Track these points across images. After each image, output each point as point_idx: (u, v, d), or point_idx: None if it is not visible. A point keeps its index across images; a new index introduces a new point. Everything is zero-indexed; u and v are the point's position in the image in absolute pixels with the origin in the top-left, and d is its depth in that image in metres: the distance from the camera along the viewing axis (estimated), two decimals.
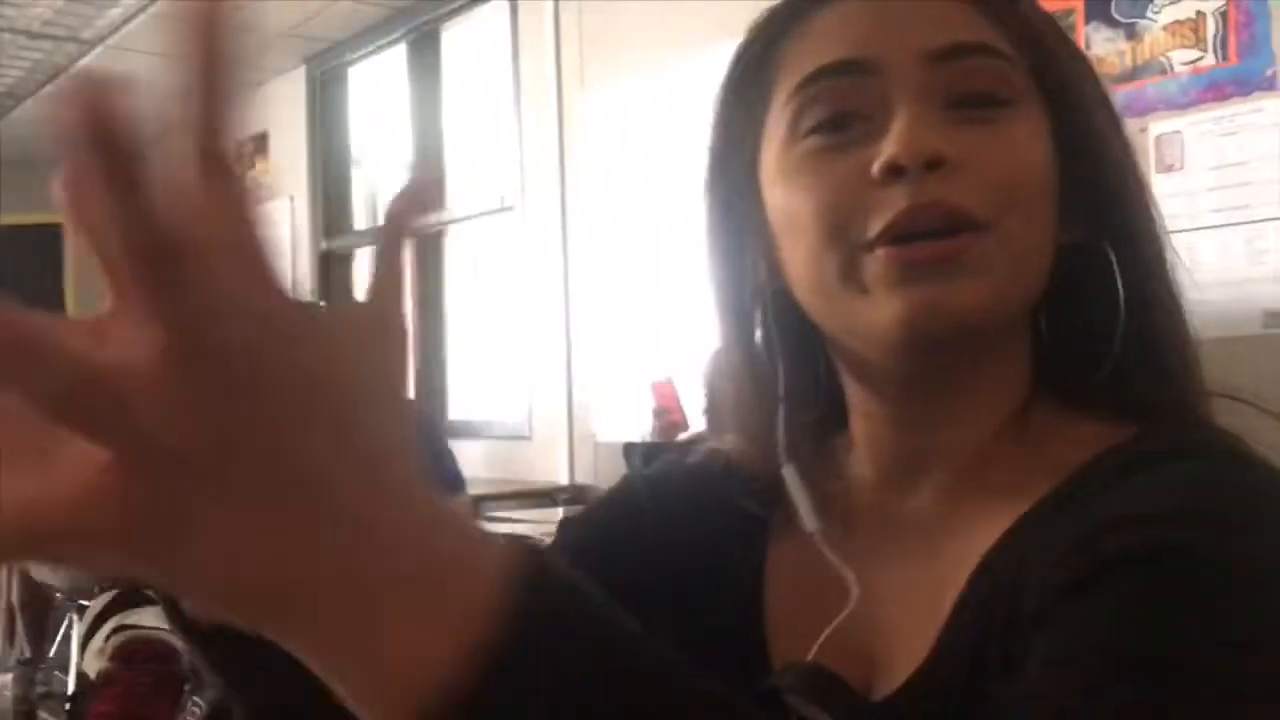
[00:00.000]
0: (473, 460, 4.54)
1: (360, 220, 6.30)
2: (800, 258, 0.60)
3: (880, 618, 0.61)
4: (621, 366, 4.31)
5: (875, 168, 0.56)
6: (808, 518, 0.65)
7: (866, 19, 0.59)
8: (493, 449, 4.95)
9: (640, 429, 3.82)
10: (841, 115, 0.59)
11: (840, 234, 0.58)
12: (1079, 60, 0.64)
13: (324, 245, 6.32)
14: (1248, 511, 0.49)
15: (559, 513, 3.93)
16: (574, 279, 4.59)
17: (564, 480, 4.58)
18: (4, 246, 8.05)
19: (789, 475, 0.65)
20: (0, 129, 7.23)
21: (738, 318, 0.67)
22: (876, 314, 0.57)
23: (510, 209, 4.96)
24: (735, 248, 0.66)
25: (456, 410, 5.52)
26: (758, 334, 0.66)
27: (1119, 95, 2.85)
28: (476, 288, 5.49)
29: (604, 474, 4.36)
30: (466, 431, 5.06)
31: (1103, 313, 0.59)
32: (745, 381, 0.68)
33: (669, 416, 3.07)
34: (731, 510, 0.69)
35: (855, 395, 0.65)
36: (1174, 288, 0.61)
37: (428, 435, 3.31)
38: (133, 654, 4.02)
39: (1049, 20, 0.63)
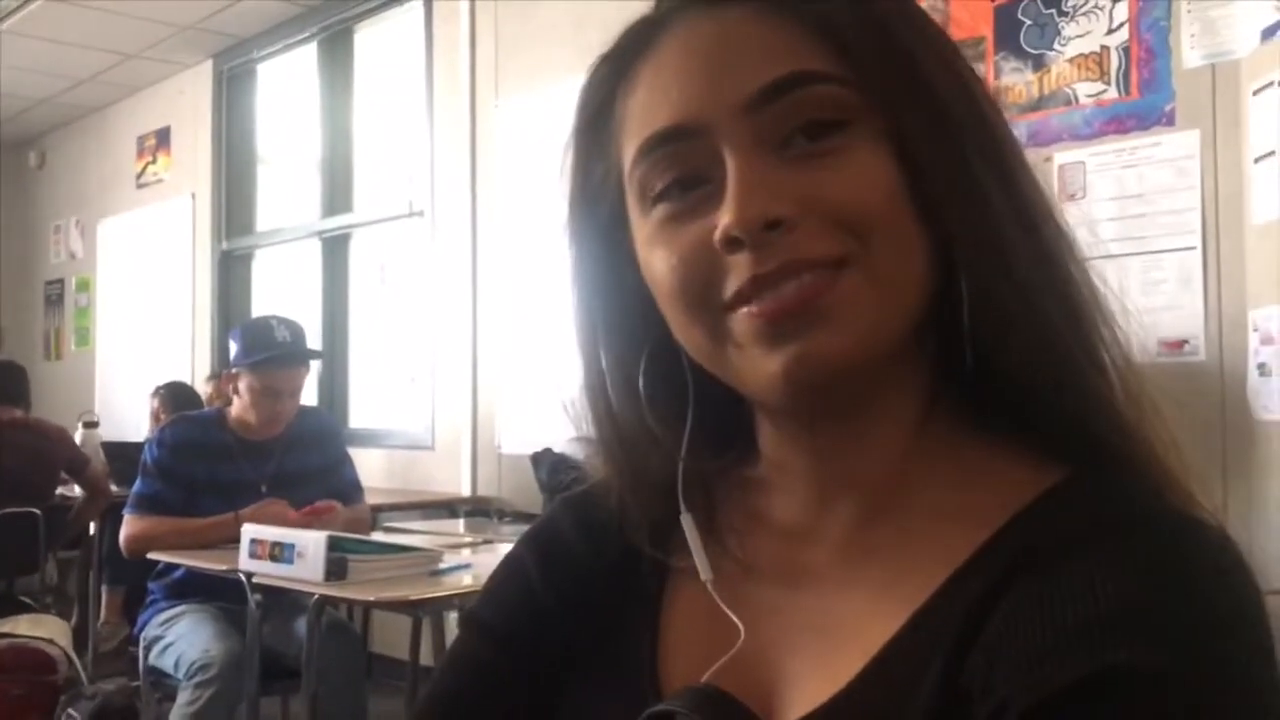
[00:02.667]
0: (373, 469, 4.46)
1: (263, 220, 6.16)
2: (674, 320, 0.60)
3: (779, 655, 0.60)
4: (527, 378, 4.27)
5: (715, 239, 0.55)
6: (702, 568, 0.64)
7: (685, 74, 0.58)
8: (394, 458, 4.87)
9: (543, 441, 3.78)
10: (683, 179, 0.58)
11: (701, 301, 0.57)
12: (927, 43, 0.59)
13: (224, 245, 6.16)
14: (1202, 618, 0.49)
15: (459, 524, 3.88)
16: (482, 287, 4.54)
17: (466, 491, 4.52)
18: None
19: (687, 524, 0.64)
20: None
21: (624, 371, 0.65)
22: (754, 370, 0.56)
23: (420, 214, 4.89)
24: (612, 298, 0.65)
25: (357, 418, 5.42)
26: (641, 385, 0.64)
27: (1024, 125, 2.91)
28: (382, 293, 5.40)
29: (507, 485, 4.31)
30: (367, 440, 4.97)
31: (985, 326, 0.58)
32: (637, 434, 0.65)
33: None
34: (633, 547, 0.68)
35: (765, 429, 0.64)
36: (1067, 300, 0.58)
37: (325, 442, 3.23)
38: (7, 663, 3.85)
39: (913, 21, 0.60)
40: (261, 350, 2.98)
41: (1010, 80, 3.00)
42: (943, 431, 0.60)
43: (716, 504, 0.66)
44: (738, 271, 0.55)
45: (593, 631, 0.67)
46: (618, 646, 0.66)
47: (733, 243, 0.54)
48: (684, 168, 0.57)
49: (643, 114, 0.59)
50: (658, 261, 0.59)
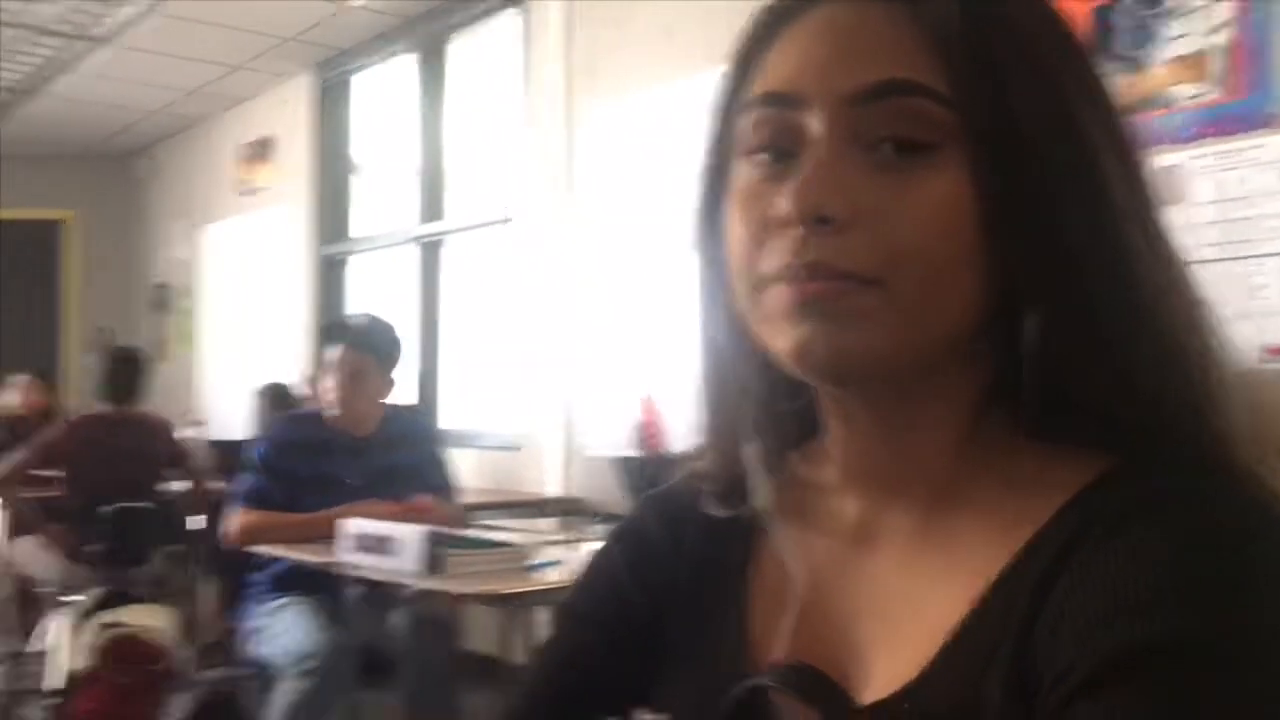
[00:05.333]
0: (465, 470, 4.54)
1: (358, 227, 6.31)
2: (734, 283, 0.63)
3: (848, 632, 0.62)
4: (612, 380, 4.31)
5: (770, 213, 0.58)
6: (761, 495, 0.66)
7: (810, 48, 0.59)
8: (485, 459, 4.95)
9: (628, 444, 3.83)
10: (774, 145, 0.60)
11: (748, 266, 0.60)
12: (1037, 69, 0.58)
13: (323, 251, 6.32)
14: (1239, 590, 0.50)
15: (548, 523, 3.93)
16: (571, 291, 4.60)
17: (554, 492, 4.58)
18: (6, 240, 8.07)
19: (747, 455, 0.67)
20: (6, 125, 7.25)
21: (706, 329, 0.68)
22: (777, 343, 0.59)
23: (509, 221, 4.97)
24: (712, 256, 0.67)
25: (449, 420, 5.52)
26: (727, 342, 0.67)
27: None
28: (473, 298, 5.50)
29: (594, 486, 4.36)
30: (459, 441, 5.06)
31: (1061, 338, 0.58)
32: (722, 391, 0.68)
33: (650, 431, 3.08)
34: (717, 532, 0.70)
35: (822, 406, 0.66)
36: (1159, 342, 0.57)
37: (419, 442, 3.32)
38: (117, 652, 4.00)
39: (1021, 37, 0.58)
40: (330, 335, 3.16)
41: None
42: (999, 437, 0.61)
43: (790, 473, 0.68)
44: (779, 254, 0.57)
45: (679, 617, 0.70)
46: (705, 630, 0.69)
47: (784, 221, 0.57)
48: (776, 135, 0.60)
49: (768, 69, 0.61)
50: (732, 225, 0.62)
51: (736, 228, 0.61)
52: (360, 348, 3.14)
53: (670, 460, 3.01)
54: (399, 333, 3.30)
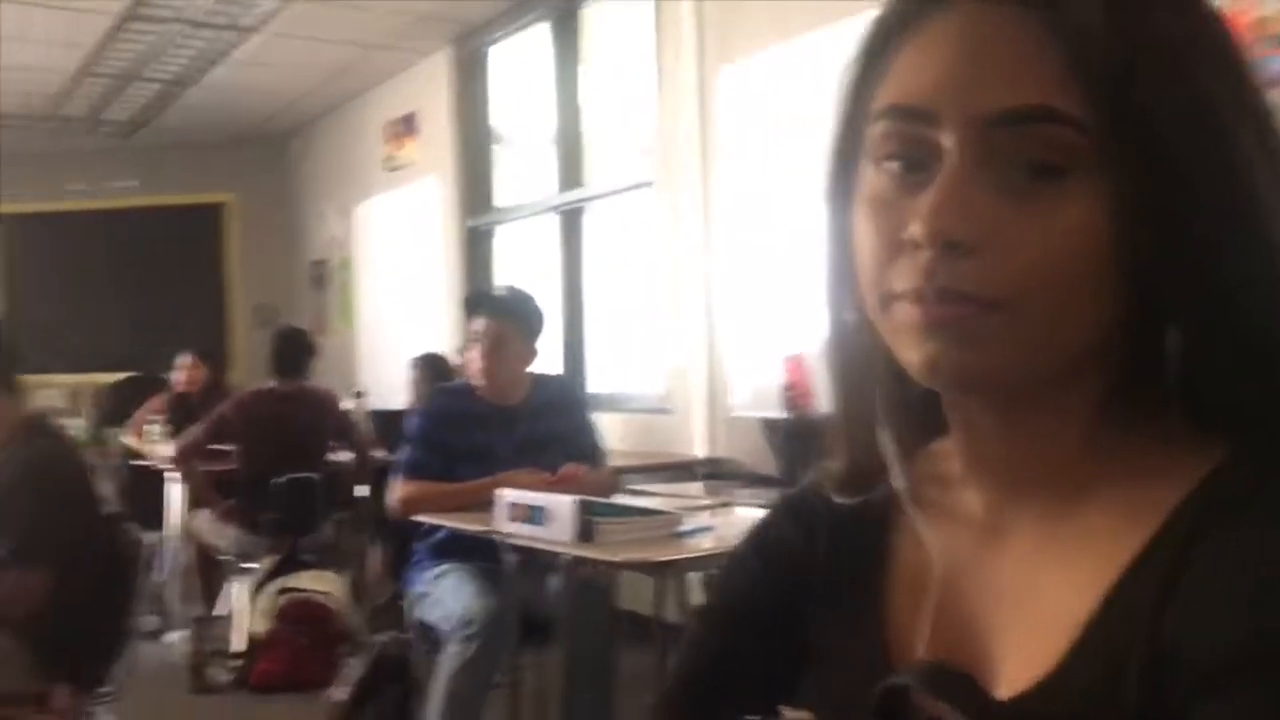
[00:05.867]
0: (612, 433, 4.62)
1: (502, 197, 6.44)
2: (861, 282, 0.63)
3: (981, 624, 0.63)
4: (758, 341, 4.32)
5: (901, 233, 0.58)
6: (897, 476, 0.67)
7: (946, 60, 0.58)
8: (632, 422, 5.02)
9: (775, 403, 3.83)
10: (904, 155, 0.59)
11: (878, 279, 0.60)
12: (1201, 98, 0.56)
13: (469, 223, 6.47)
14: None
15: (697, 486, 3.98)
16: (714, 253, 4.61)
17: (701, 453, 4.62)
18: (169, 224, 8.50)
19: (883, 439, 0.67)
20: (167, 114, 7.60)
21: (835, 313, 0.69)
22: (904, 355, 0.60)
23: (649, 185, 5.00)
24: (839, 252, 0.67)
25: (596, 384, 5.61)
26: (850, 332, 0.68)
27: None
28: (616, 262, 5.56)
29: (741, 448, 4.38)
30: (606, 404, 5.14)
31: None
32: (850, 371, 0.69)
33: (797, 391, 3.06)
34: (850, 530, 0.72)
35: (946, 404, 0.66)
36: None
37: (568, 409, 3.40)
38: (293, 615, 4.23)
39: (1169, 50, 0.56)
40: (473, 307, 3.26)
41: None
42: (1119, 430, 0.61)
43: (918, 468, 0.69)
44: (908, 271, 0.58)
45: (817, 616, 0.72)
46: (843, 627, 0.70)
47: (914, 243, 0.57)
48: (908, 147, 0.59)
49: (899, 75, 0.60)
50: (860, 229, 0.61)
51: (866, 236, 0.61)
52: (501, 317, 3.22)
53: (816, 421, 3.02)
54: (539, 302, 3.37)
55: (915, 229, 0.57)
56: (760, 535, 0.79)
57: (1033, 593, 0.62)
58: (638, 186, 5.12)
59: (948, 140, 0.57)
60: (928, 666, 0.62)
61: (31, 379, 2.94)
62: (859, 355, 0.67)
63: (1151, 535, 0.57)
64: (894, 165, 0.60)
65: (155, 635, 4.70)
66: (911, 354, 0.59)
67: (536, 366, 3.36)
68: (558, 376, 4.03)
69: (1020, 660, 0.60)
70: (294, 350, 4.78)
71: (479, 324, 3.21)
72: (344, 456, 4.80)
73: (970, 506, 0.67)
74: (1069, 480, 0.62)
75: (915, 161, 0.59)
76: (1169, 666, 0.53)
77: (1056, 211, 0.55)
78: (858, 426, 0.69)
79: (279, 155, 8.52)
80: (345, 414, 4.87)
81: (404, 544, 3.36)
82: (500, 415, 3.21)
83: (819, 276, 0.69)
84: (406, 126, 7.01)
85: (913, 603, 0.67)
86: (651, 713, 0.77)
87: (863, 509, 0.70)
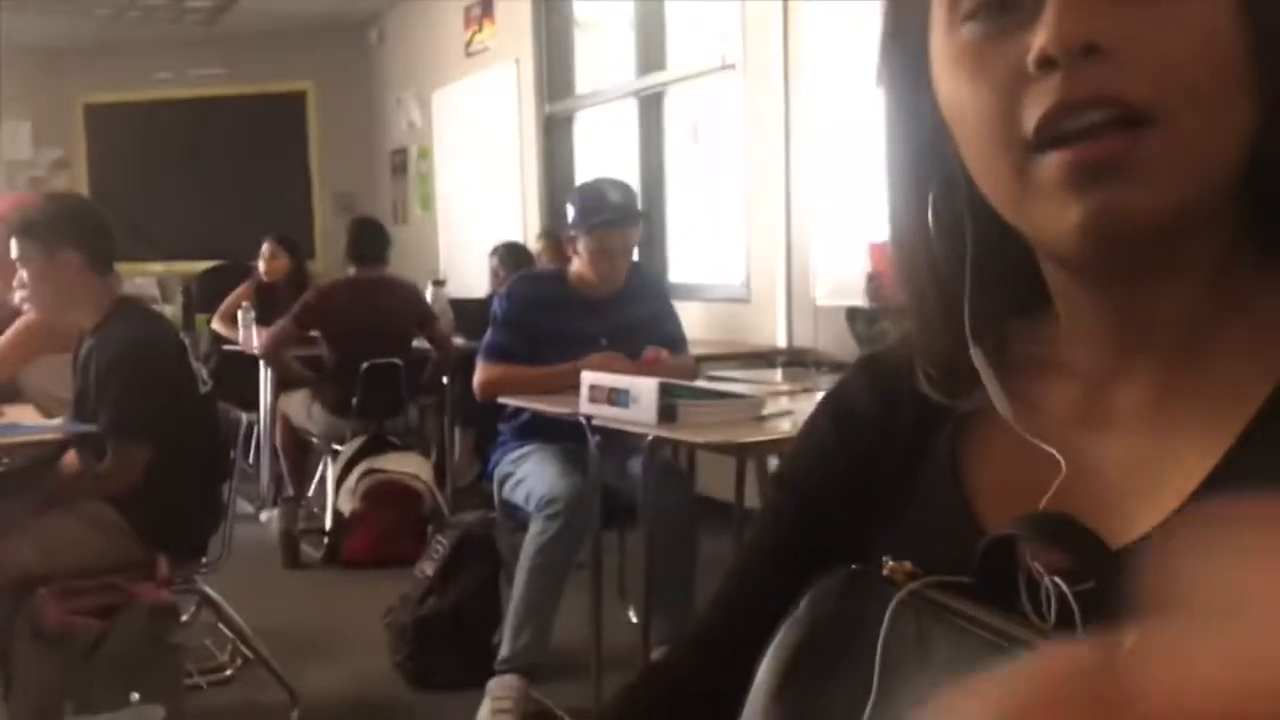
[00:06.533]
0: (693, 322, 4.61)
1: (582, 84, 6.36)
2: (971, 154, 0.58)
3: (1094, 492, 0.60)
4: (841, 229, 4.25)
5: (1029, 59, 0.52)
6: (998, 401, 0.63)
7: None
8: (712, 311, 5.01)
9: (857, 291, 3.79)
10: (989, 5, 0.54)
11: (1004, 133, 0.54)
12: None
13: (547, 109, 6.42)
14: None
15: (777, 374, 3.97)
16: (795, 139, 4.52)
17: (782, 343, 4.61)
18: (252, 113, 8.56)
19: (977, 358, 0.63)
20: (242, 4, 7.59)
21: (912, 204, 0.65)
22: (1054, 221, 0.54)
23: (731, 67, 4.90)
24: (909, 134, 0.64)
25: (677, 273, 5.59)
26: (930, 220, 0.64)
27: None
28: (696, 149, 5.49)
29: (823, 336, 4.36)
30: (687, 294, 5.13)
31: None
32: (924, 271, 0.65)
33: (883, 279, 3.01)
34: (933, 408, 0.68)
35: (1052, 277, 0.62)
36: None
37: (653, 297, 3.39)
38: (379, 495, 4.35)
39: None
40: (596, 213, 3.16)
41: None
42: (1249, 273, 0.58)
43: (1010, 350, 0.65)
44: (1045, 96, 0.52)
45: (891, 486, 0.69)
46: (921, 495, 0.67)
47: (1046, 63, 0.51)
48: None
49: None
50: (961, 87, 0.56)
51: (969, 92, 0.56)
52: (635, 225, 3.25)
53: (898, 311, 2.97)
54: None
55: (1043, 41, 0.52)
56: (836, 398, 0.76)
57: (1147, 456, 0.59)
58: (719, 69, 5.02)
59: None
60: (1039, 515, 0.59)
61: (123, 266, 3.01)
62: (942, 250, 0.64)
63: (1271, 395, 0.55)
64: (981, 17, 0.55)
65: (250, 513, 4.87)
66: (1066, 214, 0.54)
67: None
68: (642, 264, 4.01)
69: (1140, 513, 0.58)
70: (370, 239, 4.82)
71: (618, 233, 3.17)
72: (426, 345, 4.87)
73: (1074, 379, 0.63)
74: (1188, 337, 0.59)
75: (1001, 4, 0.54)
76: None
77: (1184, 12, 0.51)
78: (938, 327, 0.65)
79: (358, 43, 8.49)
80: (426, 306, 4.92)
81: (488, 426, 3.41)
82: (591, 303, 3.22)
83: (883, 175, 0.66)
84: (485, 10, 6.93)
85: (1004, 476, 0.64)
86: (724, 578, 0.77)
87: (946, 376, 0.67)
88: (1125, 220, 0.53)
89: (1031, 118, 0.53)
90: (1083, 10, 0.51)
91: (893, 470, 0.69)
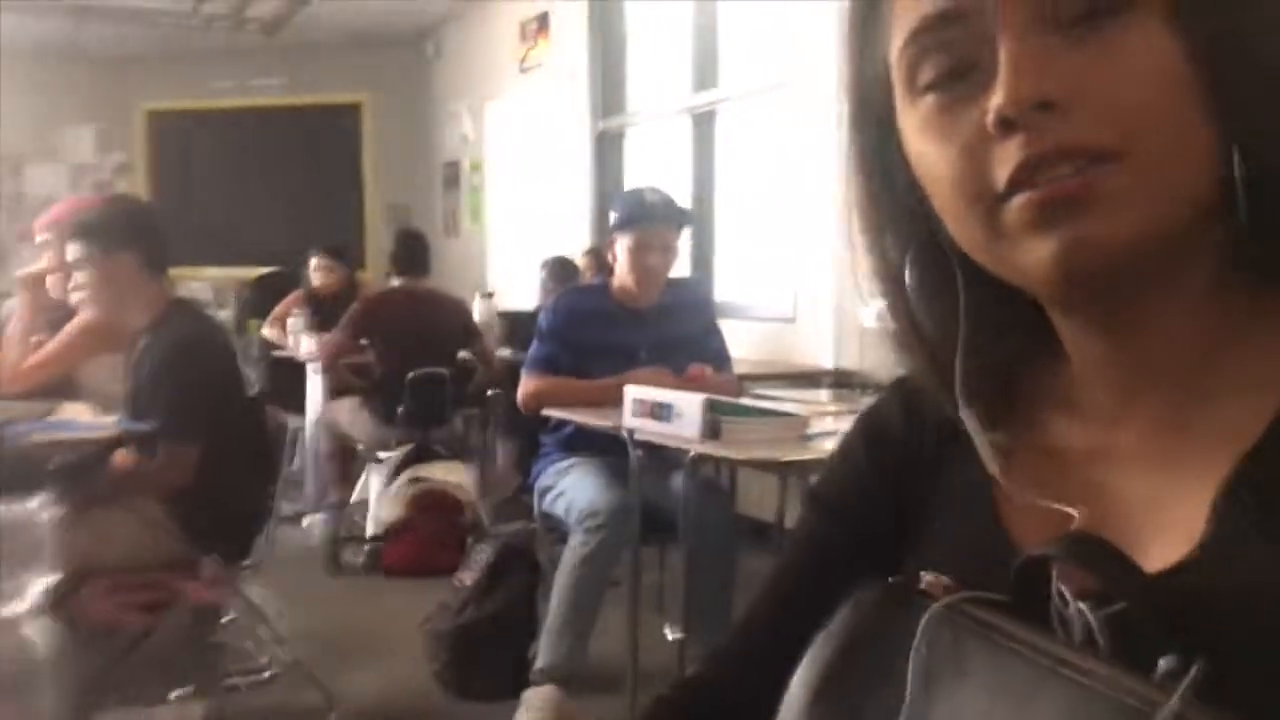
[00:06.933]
0: (738, 341, 4.61)
1: (634, 100, 6.39)
2: (947, 212, 0.60)
3: (1120, 517, 0.61)
4: None
5: (988, 122, 0.54)
6: (988, 461, 0.65)
7: None
8: (759, 330, 5.00)
9: None
10: (954, 67, 0.56)
11: (975, 190, 0.56)
12: None
13: (600, 125, 6.45)
14: None
15: (822, 395, 3.96)
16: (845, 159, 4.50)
17: (828, 364, 4.59)
18: (308, 124, 8.68)
19: (968, 419, 0.65)
20: (307, 12, 7.71)
21: (892, 273, 0.67)
22: (1028, 259, 0.56)
23: (783, 86, 4.90)
24: (881, 208, 0.66)
25: (723, 291, 5.59)
26: (911, 285, 0.66)
27: None
28: (746, 168, 5.49)
29: (869, 358, 4.33)
30: (733, 312, 5.13)
31: None
32: (910, 338, 0.68)
33: None
34: (961, 432, 0.69)
35: (1057, 322, 0.64)
36: None
37: (698, 313, 3.39)
38: (423, 504, 4.38)
39: None
40: (632, 212, 3.20)
41: None
42: (1244, 301, 0.58)
43: (1016, 393, 0.67)
44: (1009, 156, 0.54)
45: (921, 503, 0.70)
46: (952, 515, 0.68)
47: (1005, 124, 0.53)
48: (955, 54, 0.56)
49: (904, 6, 0.58)
50: (930, 153, 0.58)
51: (936, 155, 0.58)
52: (677, 224, 3.27)
53: None
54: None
55: (1000, 102, 0.53)
56: (869, 418, 0.77)
57: (1158, 494, 0.60)
58: (772, 89, 5.02)
59: (996, 17, 0.54)
60: (1074, 536, 0.59)
61: (179, 271, 3.06)
62: (932, 313, 0.65)
63: (1273, 421, 0.56)
64: (941, 87, 0.57)
65: (294, 518, 4.92)
66: (1036, 251, 0.55)
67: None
68: (689, 280, 4.03)
69: (1158, 547, 0.59)
70: (412, 250, 4.88)
71: (655, 232, 3.19)
72: (473, 357, 4.90)
73: (1084, 415, 0.65)
74: (1191, 369, 0.60)
75: (962, 69, 0.56)
76: None
77: (1128, 45, 0.53)
78: (940, 395, 0.67)
79: (413, 56, 8.60)
80: (472, 321, 4.95)
81: (532, 438, 3.42)
82: (634, 316, 3.23)
83: (856, 250, 0.68)
84: (540, 25, 6.98)
85: (1037, 489, 0.64)
86: (756, 595, 0.77)
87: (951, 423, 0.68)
88: (1094, 250, 0.54)
89: (1001, 176, 0.55)
90: (1034, 69, 0.53)
91: (923, 488, 0.71)
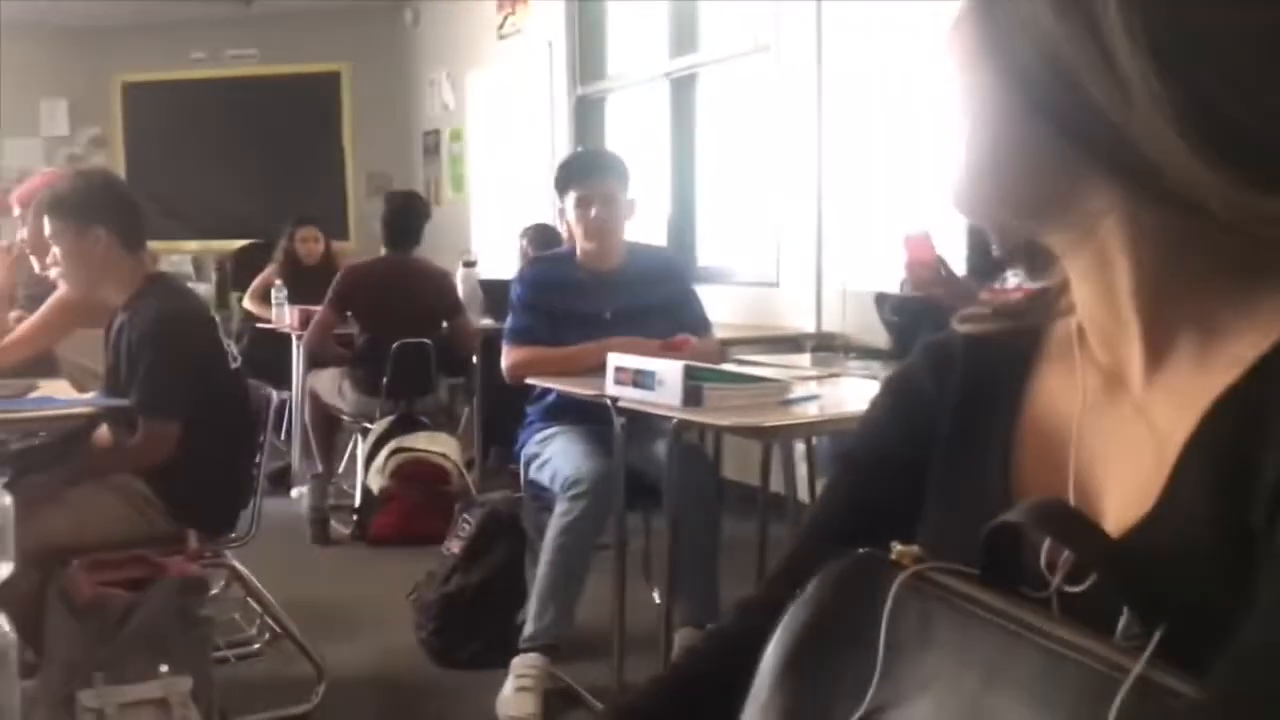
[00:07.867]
0: (721, 306, 4.61)
1: (614, 65, 6.34)
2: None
3: (1101, 470, 0.64)
4: (872, 215, 4.23)
5: None
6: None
7: None
8: (741, 295, 5.00)
9: (889, 279, 3.77)
10: None
11: None
12: None
13: (579, 91, 6.40)
14: None
15: (805, 359, 3.96)
16: (827, 123, 4.50)
17: (811, 327, 4.59)
18: (286, 93, 8.60)
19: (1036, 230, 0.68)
20: None
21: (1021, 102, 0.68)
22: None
23: (765, 49, 4.88)
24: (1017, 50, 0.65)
25: (706, 256, 5.58)
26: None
27: None
28: (728, 132, 5.47)
29: (852, 322, 4.34)
30: (715, 277, 5.12)
31: None
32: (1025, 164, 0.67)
33: (922, 270, 2.99)
34: (980, 380, 0.74)
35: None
36: None
37: (668, 279, 3.38)
38: (408, 473, 4.38)
39: None
40: (567, 173, 3.29)
41: None
42: (1196, 279, 0.62)
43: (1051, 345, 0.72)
44: None
45: (943, 461, 0.74)
46: (968, 473, 0.71)
47: None
48: None
49: None
50: None
51: None
52: (614, 176, 3.27)
53: (936, 299, 2.95)
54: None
55: None
56: (896, 378, 0.82)
57: (1138, 438, 0.63)
58: (753, 51, 4.99)
59: None
60: (1038, 503, 0.61)
61: (158, 244, 3.04)
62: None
63: (1242, 374, 0.59)
64: None
65: (279, 489, 4.91)
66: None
67: (632, 236, 3.37)
68: (657, 247, 4.02)
69: (1120, 502, 0.62)
70: (406, 217, 4.83)
71: (590, 185, 3.20)
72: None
73: (1094, 358, 0.68)
74: (1156, 333, 0.63)
75: None
76: (1255, 496, 0.54)
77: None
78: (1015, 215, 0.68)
79: (393, 23, 8.50)
80: (456, 297, 4.89)
81: (515, 407, 3.42)
82: (599, 281, 3.22)
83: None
84: None
85: (1042, 450, 0.68)
86: (786, 555, 0.80)
87: (1001, 358, 0.72)
88: None
89: None
90: None
91: (943, 444, 0.75)
